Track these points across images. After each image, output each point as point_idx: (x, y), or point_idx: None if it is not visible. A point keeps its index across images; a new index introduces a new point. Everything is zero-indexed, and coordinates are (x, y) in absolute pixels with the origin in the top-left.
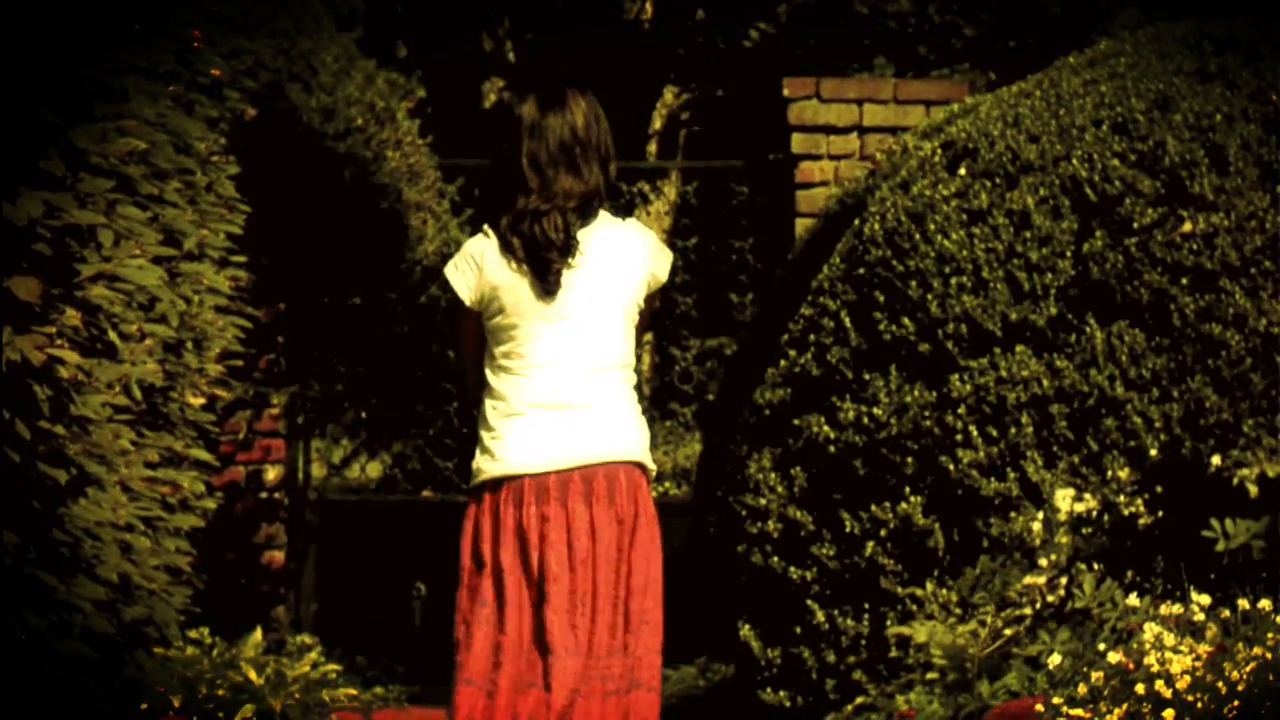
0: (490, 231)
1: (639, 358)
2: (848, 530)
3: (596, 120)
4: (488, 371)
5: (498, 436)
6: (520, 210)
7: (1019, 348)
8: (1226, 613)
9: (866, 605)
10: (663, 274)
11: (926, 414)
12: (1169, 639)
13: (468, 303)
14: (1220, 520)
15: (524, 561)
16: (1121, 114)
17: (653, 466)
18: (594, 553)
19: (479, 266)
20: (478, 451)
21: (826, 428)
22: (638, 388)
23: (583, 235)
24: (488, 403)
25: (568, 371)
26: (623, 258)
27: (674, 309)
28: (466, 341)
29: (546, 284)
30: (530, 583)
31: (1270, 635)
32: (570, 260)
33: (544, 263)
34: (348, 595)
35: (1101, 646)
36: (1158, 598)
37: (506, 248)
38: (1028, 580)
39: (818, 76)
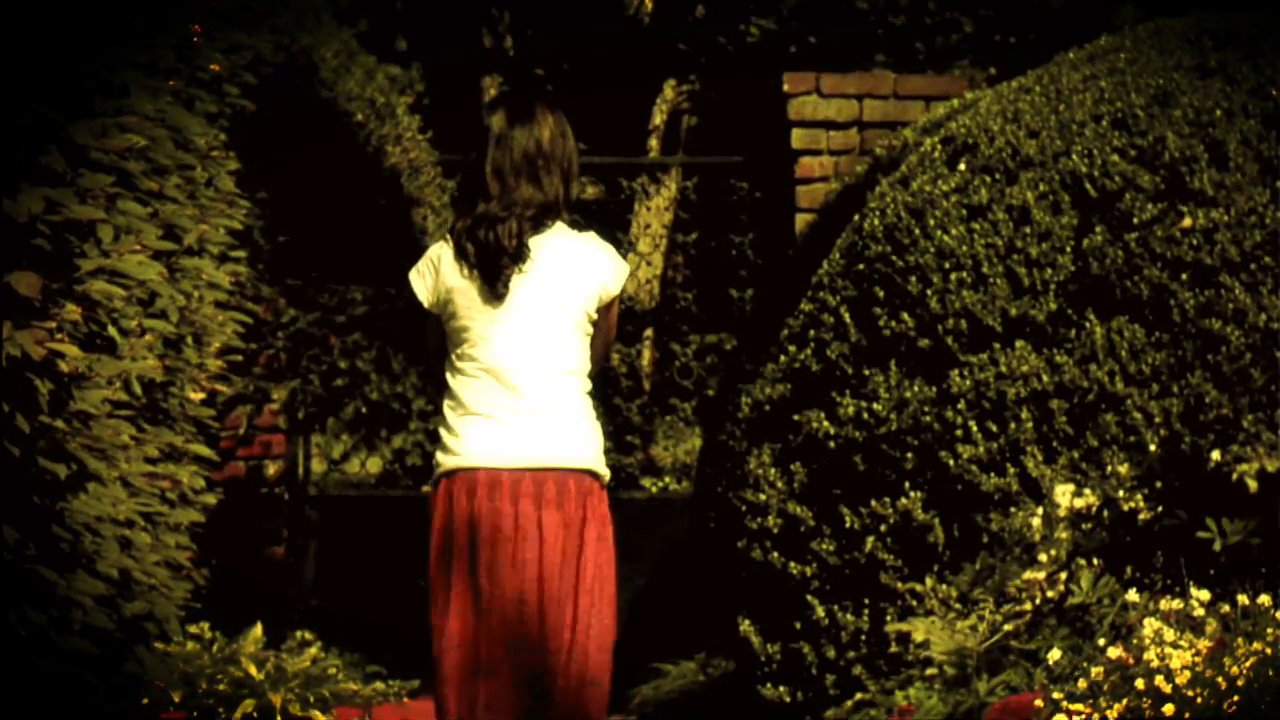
0: (449, 237)
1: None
2: (847, 526)
3: (563, 136)
4: (446, 373)
5: (455, 434)
6: (479, 215)
7: (1019, 343)
8: (1226, 608)
9: (866, 601)
10: (615, 286)
11: (926, 409)
12: (1169, 634)
13: (426, 305)
14: (1218, 516)
15: (472, 553)
16: (1121, 109)
17: (605, 472)
18: (540, 554)
19: (436, 270)
20: (438, 448)
21: (826, 423)
22: (594, 394)
23: (535, 243)
24: (446, 402)
25: (517, 375)
26: (573, 268)
27: (674, 304)
28: (431, 342)
29: (494, 289)
30: (475, 575)
31: (1270, 630)
32: (520, 266)
33: (494, 268)
34: (348, 590)
35: (1101, 642)
36: (1157, 593)
37: (460, 252)
38: (1027, 576)
39: (818, 72)
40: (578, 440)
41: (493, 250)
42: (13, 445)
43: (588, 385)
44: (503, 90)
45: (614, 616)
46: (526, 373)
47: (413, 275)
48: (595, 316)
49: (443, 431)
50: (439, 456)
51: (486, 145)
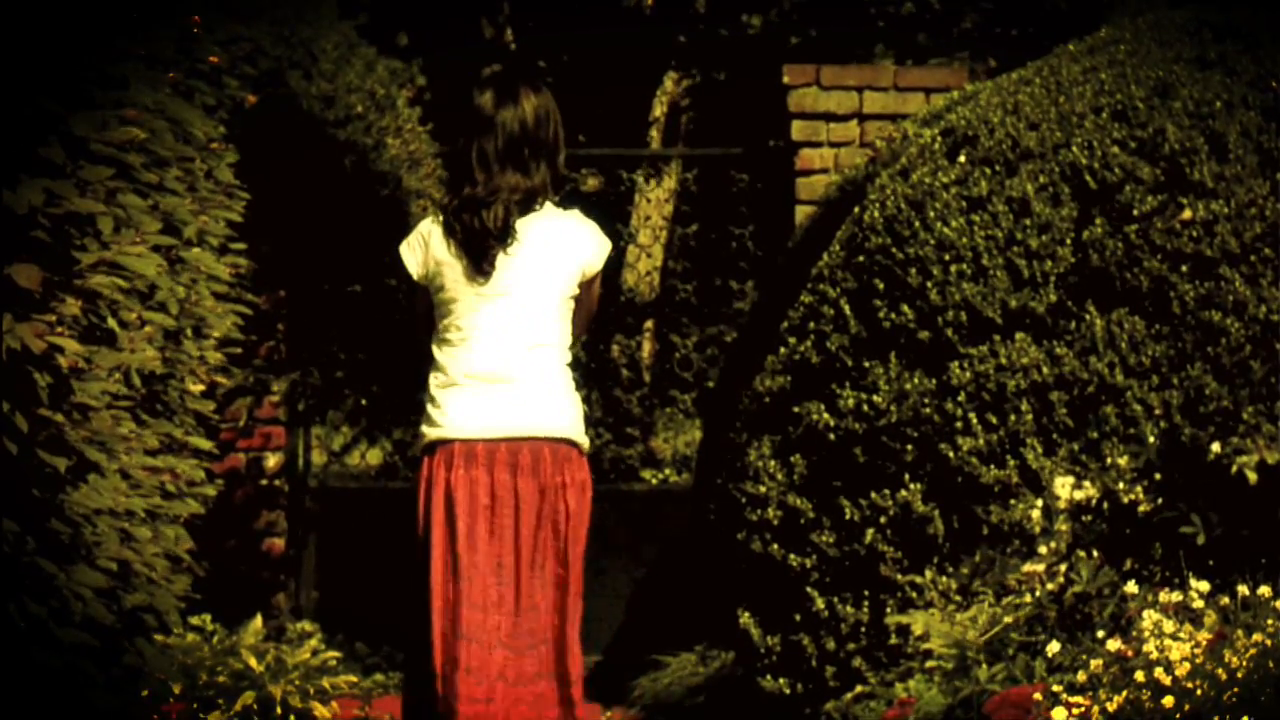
0: (438, 213)
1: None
2: (847, 517)
3: (548, 116)
4: (432, 345)
5: (438, 405)
6: (466, 197)
7: (1019, 335)
8: (1225, 600)
9: (866, 593)
10: (598, 263)
11: (926, 401)
12: (1168, 626)
13: (415, 277)
14: (1218, 508)
15: (449, 520)
16: (1121, 101)
17: (583, 441)
18: (516, 520)
19: (426, 244)
20: (422, 420)
21: (826, 415)
22: (574, 365)
23: (522, 224)
24: (431, 374)
25: (501, 347)
26: (557, 247)
27: (674, 296)
28: (420, 315)
29: (480, 267)
30: (453, 541)
31: (1270, 622)
32: (505, 247)
33: (480, 248)
34: (348, 582)
35: (1100, 634)
36: (1156, 585)
37: (449, 230)
38: (1027, 568)
39: (818, 64)
40: (554, 410)
41: (478, 232)
42: (12, 440)
43: (567, 358)
44: (492, 71)
45: (582, 580)
46: (509, 346)
47: (403, 248)
48: (578, 292)
49: (427, 403)
50: (422, 428)
51: (473, 129)
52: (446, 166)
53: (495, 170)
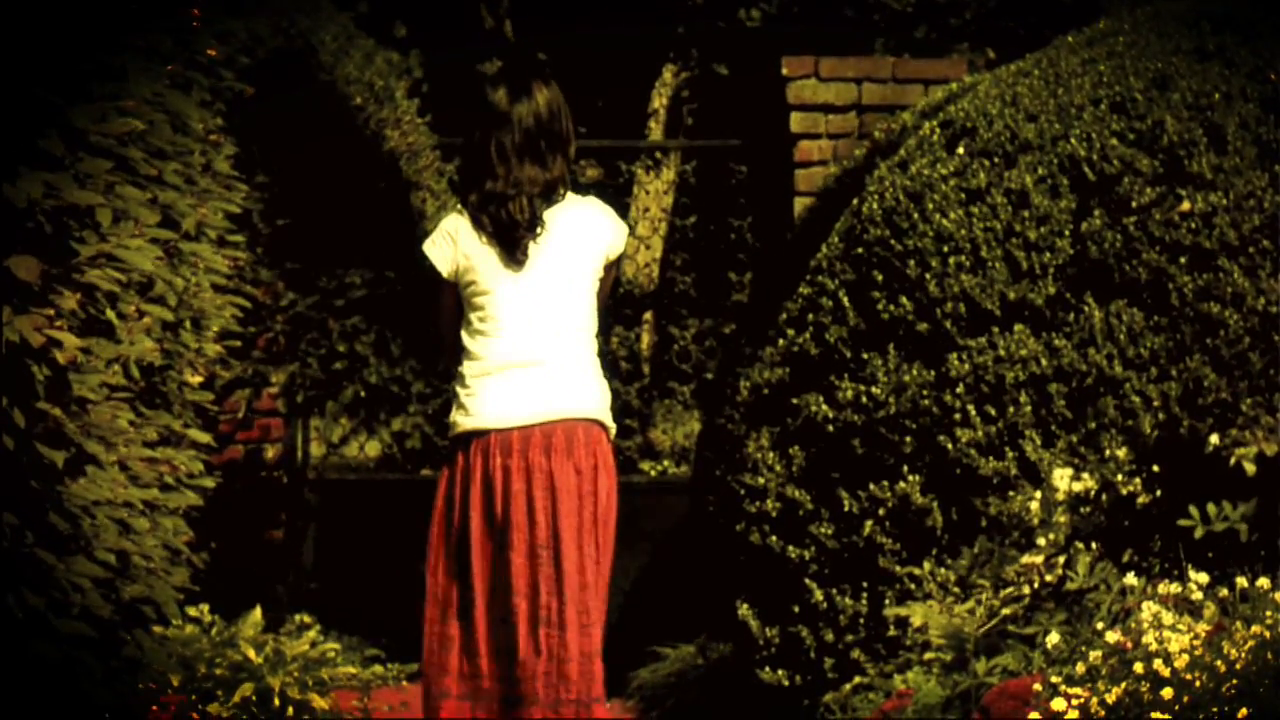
0: (463, 209)
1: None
2: (846, 509)
3: (559, 107)
4: (465, 336)
5: (473, 394)
6: (488, 193)
7: (1017, 327)
8: (1224, 591)
9: (865, 584)
10: (620, 246)
11: (925, 393)
12: (1167, 618)
13: (445, 274)
14: (1217, 500)
15: (488, 509)
16: (1120, 93)
17: (611, 424)
18: (554, 502)
19: (454, 241)
20: (454, 408)
21: (825, 407)
22: (606, 354)
23: (547, 215)
24: (465, 363)
25: (534, 333)
26: (583, 233)
27: (673, 288)
28: (445, 311)
29: (514, 257)
30: (493, 528)
31: (1269, 614)
32: (534, 237)
33: (511, 239)
34: (347, 574)
35: (1099, 626)
36: (1155, 577)
37: (477, 225)
38: (1025, 560)
39: (817, 55)
40: (585, 392)
41: (507, 225)
42: (10, 434)
43: (595, 343)
44: (502, 66)
45: (610, 564)
46: (541, 331)
47: (428, 247)
48: (602, 274)
49: (460, 391)
50: (455, 416)
51: (489, 124)
52: (460, 162)
53: (514, 164)
